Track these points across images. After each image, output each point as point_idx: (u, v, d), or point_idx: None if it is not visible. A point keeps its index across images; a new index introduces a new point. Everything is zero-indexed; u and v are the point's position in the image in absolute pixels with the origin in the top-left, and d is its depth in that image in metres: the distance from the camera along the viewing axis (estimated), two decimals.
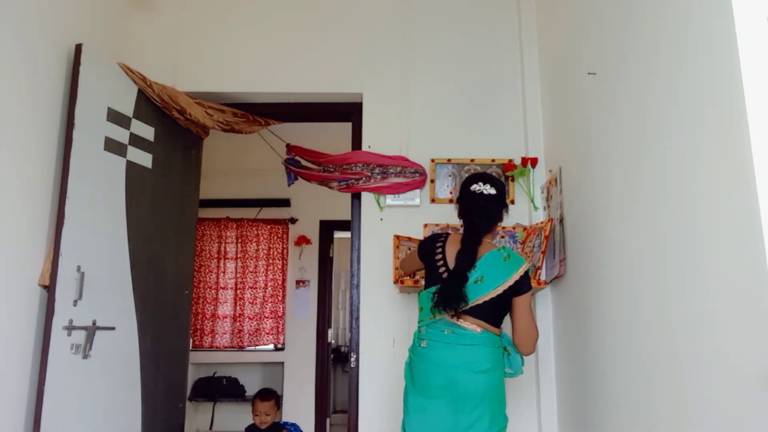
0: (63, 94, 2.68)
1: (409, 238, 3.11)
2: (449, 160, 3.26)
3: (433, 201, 3.23)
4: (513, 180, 3.24)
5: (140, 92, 3.00)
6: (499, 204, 2.43)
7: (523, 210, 3.20)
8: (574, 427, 2.71)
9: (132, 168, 2.93)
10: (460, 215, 2.46)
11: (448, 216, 3.17)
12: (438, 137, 3.31)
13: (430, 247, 2.47)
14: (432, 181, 3.25)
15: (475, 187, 2.41)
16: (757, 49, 1.43)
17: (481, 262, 2.32)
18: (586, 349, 2.54)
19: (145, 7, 3.45)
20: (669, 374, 1.81)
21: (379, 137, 3.32)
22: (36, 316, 2.46)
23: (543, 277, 2.94)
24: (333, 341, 6.84)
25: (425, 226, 3.14)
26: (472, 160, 3.26)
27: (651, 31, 1.96)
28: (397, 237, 3.07)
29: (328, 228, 6.07)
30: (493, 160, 3.26)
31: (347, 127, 3.49)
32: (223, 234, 6.07)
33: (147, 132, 3.04)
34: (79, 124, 2.62)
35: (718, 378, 1.56)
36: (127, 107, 2.92)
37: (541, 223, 2.93)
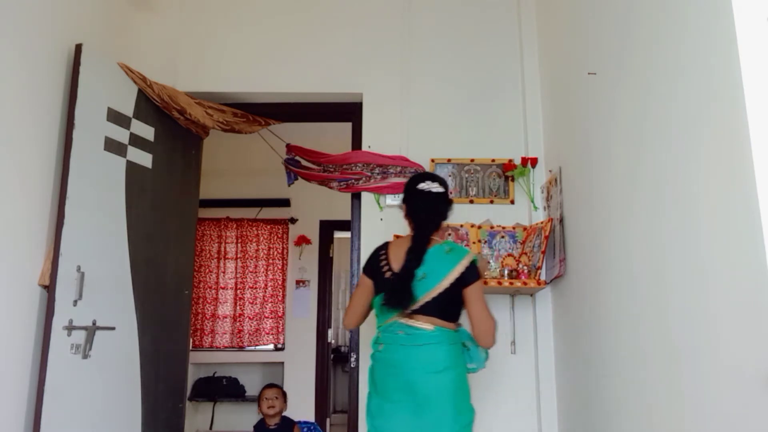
0: (63, 94, 2.67)
1: None
2: (449, 160, 3.26)
3: None
4: (513, 180, 3.23)
5: (140, 92, 3.00)
6: (445, 202, 2.45)
7: (523, 210, 3.20)
8: (574, 427, 2.71)
9: (132, 168, 2.93)
10: (407, 215, 2.46)
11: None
12: (438, 137, 3.31)
13: (373, 259, 2.46)
14: None
15: (422, 185, 2.43)
16: (757, 49, 1.43)
17: (425, 259, 2.32)
18: (586, 349, 2.54)
19: (145, 7, 3.45)
20: (669, 374, 1.81)
21: (379, 137, 3.32)
22: (36, 316, 2.46)
23: (543, 277, 2.94)
24: (333, 341, 6.83)
25: None
26: (472, 160, 3.26)
27: (651, 31, 1.96)
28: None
29: (328, 228, 6.06)
30: (493, 160, 3.26)
31: (347, 127, 3.49)
32: (223, 234, 6.07)
33: (147, 132, 3.04)
34: (79, 124, 2.62)
35: (718, 378, 1.56)
36: (127, 107, 2.92)
37: (541, 223, 2.93)
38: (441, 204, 2.43)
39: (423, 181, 2.45)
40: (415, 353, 2.27)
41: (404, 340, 2.29)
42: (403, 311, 2.29)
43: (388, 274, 2.36)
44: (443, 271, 2.29)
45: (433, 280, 2.28)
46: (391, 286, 2.31)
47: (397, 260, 2.36)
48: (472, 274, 2.31)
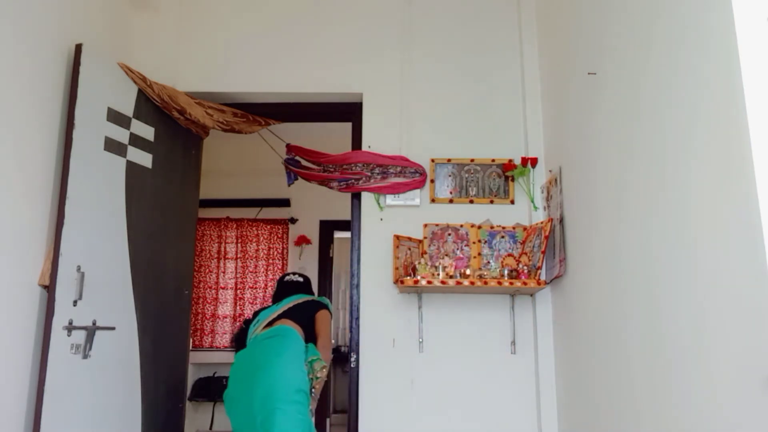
0: (63, 94, 2.67)
1: (409, 238, 3.11)
2: (449, 160, 3.26)
3: (433, 201, 3.23)
4: (513, 180, 3.23)
5: (140, 92, 3.00)
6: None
7: (523, 210, 3.20)
8: (573, 427, 2.71)
9: (132, 168, 2.93)
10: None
11: (448, 216, 3.18)
12: (438, 137, 3.31)
13: None
14: (432, 181, 3.25)
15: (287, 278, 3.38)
16: (757, 49, 1.43)
17: None
18: (586, 349, 2.54)
19: (146, 6, 3.45)
20: (668, 374, 1.81)
21: (379, 137, 3.32)
22: (36, 316, 2.46)
23: (543, 277, 2.93)
24: (333, 341, 6.83)
25: (425, 226, 3.14)
26: (472, 160, 3.26)
27: (651, 31, 1.96)
28: (397, 237, 3.07)
29: (328, 228, 6.06)
30: (493, 160, 3.26)
31: (347, 127, 3.49)
32: (223, 234, 6.07)
33: (147, 132, 3.04)
34: (79, 124, 2.62)
35: (718, 377, 1.56)
36: (127, 107, 2.92)
37: (541, 223, 2.93)
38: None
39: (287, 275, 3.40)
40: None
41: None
42: None
43: None
44: None
45: None
46: None
47: None
48: None
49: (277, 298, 3.23)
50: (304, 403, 2.71)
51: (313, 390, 2.81)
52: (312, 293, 3.33)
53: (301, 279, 3.33)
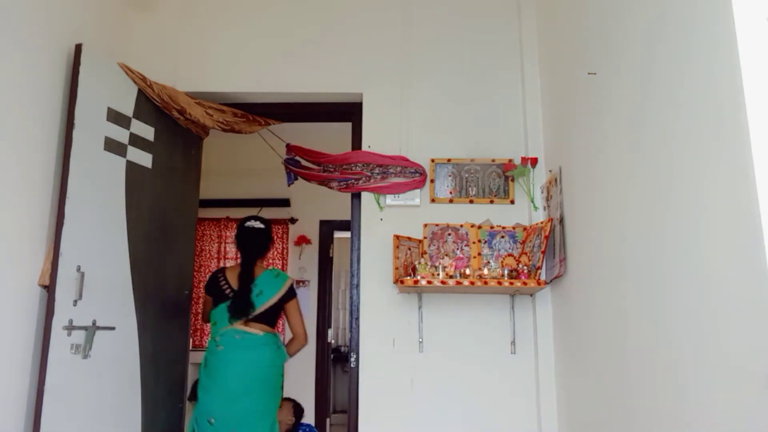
0: (63, 94, 2.67)
1: (409, 238, 3.11)
2: (449, 160, 3.26)
3: (433, 201, 3.23)
4: (513, 180, 3.23)
5: (140, 92, 3.00)
6: (265, 236, 3.33)
7: (523, 210, 3.20)
8: (573, 428, 2.71)
9: (132, 168, 2.93)
10: (237, 248, 3.34)
11: (448, 216, 3.18)
12: (438, 137, 3.31)
13: (213, 281, 3.25)
14: (432, 181, 3.25)
15: (248, 224, 3.31)
16: (757, 49, 1.43)
17: (258, 280, 3.18)
18: (586, 349, 2.54)
19: (145, 6, 3.45)
20: (669, 374, 1.81)
21: (379, 137, 3.31)
22: (36, 316, 2.46)
23: (543, 277, 2.93)
24: (333, 341, 6.83)
25: (425, 226, 3.14)
26: (472, 160, 3.26)
27: (651, 31, 1.96)
28: (397, 237, 3.07)
29: (328, 228, 6.06)
30: (493, 160, 3.26)
31: (347, 127, 3.49)
32: (223, 234, 6.07)
33: (147, 132, 3.04)
34: (79, 124, 2.62)
35: (719, 377, 1.56)
36: (127, 107, 2.92)
37: (541, 223, 2.93)
38: (261, 237, 3.29)
39: (248, 221, 3.33)
40: (248, 354, 3.06)
41: (240, 343, 3.06)
42: (241, 319, 3.07)
43: (228, 291, 3.16)
44: (274, 290, 3.19)
45: (267, 296, 3.15)
46: (236, 300, 3.09)
47: (233, 281, 3.18)
48: (292, 292, 3.25)
49: (240, 245, 3.29)
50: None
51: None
52: (270, 240, 3.36)
53: (262, 226, 3.32)
